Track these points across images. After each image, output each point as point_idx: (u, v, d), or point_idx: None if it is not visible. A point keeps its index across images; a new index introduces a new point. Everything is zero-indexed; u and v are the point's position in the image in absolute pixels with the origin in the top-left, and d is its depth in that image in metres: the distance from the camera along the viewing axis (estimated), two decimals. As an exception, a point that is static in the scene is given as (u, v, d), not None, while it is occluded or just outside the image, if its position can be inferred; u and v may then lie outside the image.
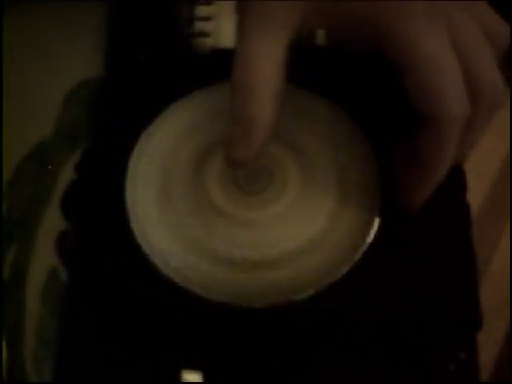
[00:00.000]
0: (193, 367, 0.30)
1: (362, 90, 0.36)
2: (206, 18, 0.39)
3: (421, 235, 0.33)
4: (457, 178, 0.34)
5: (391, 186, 0.33)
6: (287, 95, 0.29)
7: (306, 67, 0.35)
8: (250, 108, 0.28)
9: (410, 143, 0.30)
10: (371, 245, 0.32)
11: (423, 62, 0.27)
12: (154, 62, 0.38)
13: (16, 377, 0.35)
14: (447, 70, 0.28)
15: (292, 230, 0.32)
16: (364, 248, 0.32)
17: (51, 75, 0.39)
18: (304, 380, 0.31)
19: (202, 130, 0.35)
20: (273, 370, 0.30)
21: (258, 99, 0.28)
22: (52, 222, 0.36)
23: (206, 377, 0.30)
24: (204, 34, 0.39)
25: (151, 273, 0.31)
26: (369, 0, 0.28)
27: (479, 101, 0.29)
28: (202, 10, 0.39)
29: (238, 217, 0.33)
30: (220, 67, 0.30)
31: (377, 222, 0.32)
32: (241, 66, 0.28)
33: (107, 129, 0.36)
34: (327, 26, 0.31)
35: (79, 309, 0.32)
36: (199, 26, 0.39)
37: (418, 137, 0.29)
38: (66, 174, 0.37)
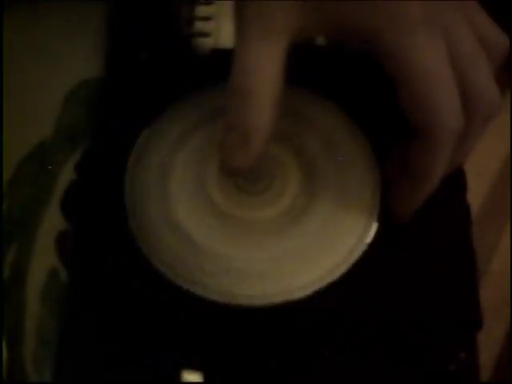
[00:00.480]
0: (193, 367, 0.30)
1: (362, 89, 0.36)
2: (206, 18, 0.39)
3: (421, 235, 0.33)
4: (457, 178, 0.34)
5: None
6: (287, 95, 0.29)
7: (306, 67, 0.35)
8: (249, 112, 0.28)
9: (402, 152, 0.30)
10: (371, 245, 0.32)
11: (419, 76, 0.27)
12: (154, 62, 0.38)
13: (16, 377, 0.35)
14: (443, 84, 0.27)
15: (292, 230, 0.32)
16: (364, 248, 0.32)
17: (51, 75, 0.39)
18: (304, 380, 0.31)
19: (202, 130, 0.35)
20: (273, 370, 0.30)
21: (256, 102, 0.27)
22: (52, 221, 0.36)
23: (206, 377, 0.30)
24: (204, 34, 0.39)
25: (151, 273, 0.31)
26: (368, 0, 0.28)
27: (474, 113, 0.28)
28: (201, 10, 0.39)
29: (239, 217, 0.33)
30: (220, 67, 0.29)
31: (377, 221, 0.32)
32: (239, 67, 0.28)
33: (107, 129, 0.36)
34: (325, 32, 0.30)
35: (79, 309, 0.32)
36: (199, 26, 0.39)
37: (410, 147, 0.29)
38: (66, 174, 0.37)
